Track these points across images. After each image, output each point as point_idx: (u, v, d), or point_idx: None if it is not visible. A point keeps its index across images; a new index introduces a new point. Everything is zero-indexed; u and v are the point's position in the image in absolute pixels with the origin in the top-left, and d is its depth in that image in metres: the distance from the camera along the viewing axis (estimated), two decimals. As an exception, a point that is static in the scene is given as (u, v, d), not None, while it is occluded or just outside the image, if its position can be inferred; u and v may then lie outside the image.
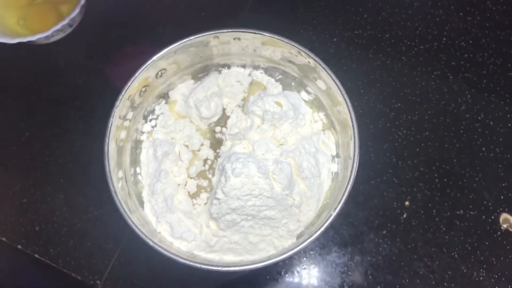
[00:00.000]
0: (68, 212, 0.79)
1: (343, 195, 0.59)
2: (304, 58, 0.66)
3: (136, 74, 0.63)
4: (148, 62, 0.64)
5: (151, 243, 0.58)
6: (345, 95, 0.62)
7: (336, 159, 0.70)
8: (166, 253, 0.58)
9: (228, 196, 0.61)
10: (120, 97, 0.63)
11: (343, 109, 0.64)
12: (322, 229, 0.58)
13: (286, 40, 0.64)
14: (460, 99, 0.84)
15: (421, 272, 0.76)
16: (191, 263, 0.58)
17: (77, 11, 0.81)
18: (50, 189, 0.81)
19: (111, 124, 0.62)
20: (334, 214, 0.58)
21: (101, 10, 0.91)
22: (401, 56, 0.86)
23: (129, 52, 0.74)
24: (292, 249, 0.57)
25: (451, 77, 0.85)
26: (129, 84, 0.63)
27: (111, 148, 0.62)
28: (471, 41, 0.87)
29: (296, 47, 0.64)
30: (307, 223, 0.67)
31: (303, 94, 0.74)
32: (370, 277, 0.77)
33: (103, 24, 0.91)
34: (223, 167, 0.63)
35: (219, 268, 0.58)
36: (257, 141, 0.67)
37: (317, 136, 0.69)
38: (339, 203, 0.58)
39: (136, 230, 0.59)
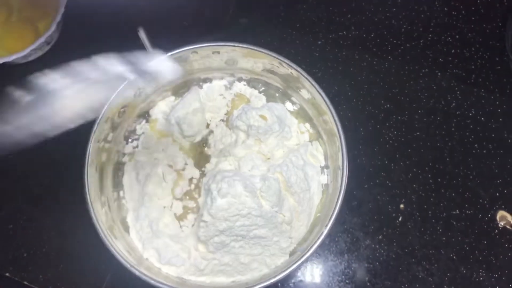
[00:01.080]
0: (56, 235, 0.75)
1: (334, 210, 0.56)
2: (287, 69, 0.63)
3: (113, 95, 0.59)
4: (125, 82, 0.61)
5: (137, 272, 0.55)
6: (330, 105, 0.59)
7: (325, 170, 0.67)
8: (153, 282, 0.55)
9: (215, 218, 0.59)
10: (98, 121, 0.59)
11: (329, 119, 0.61)
12: (315, 246, 0.55)
13: (266, 51, 0.61)
14: (449, 96, 0.81)
15: (420, 276, 0.74)
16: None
17: (53, 27, 0.78)
18: (37, 213, 0.78)
19: (89, 151, 0.59)
20: (325, 231, 0.55)
21: (79, 26, 0.87)
22: (388, 55, 0.84)
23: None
24: (285, 269, 0.54)
25: (439, 74, 0.82)
26: (106, 106, 0.60)
27: (91, 175, 0.59)
28: (457, 36, 0.85)
29: (277, 58, 0.61)
30: (299, 239, 0.64)
31: (288, 105, 0.70)
32: (368, 284, 0.74)
33: (81, 40, 0.87)
34: (208, 187, 0.60)
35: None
36: (243, 157, 0.64)
37: (304, 148, 0.66)
38: (330, 219, 0.56)
39: (121, 260, 0.55)
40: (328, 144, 0.66)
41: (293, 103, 0.70)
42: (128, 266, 0.55)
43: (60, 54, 0.84)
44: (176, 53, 0.61)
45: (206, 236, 0.60)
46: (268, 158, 0.66)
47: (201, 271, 0.63)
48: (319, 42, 0.86)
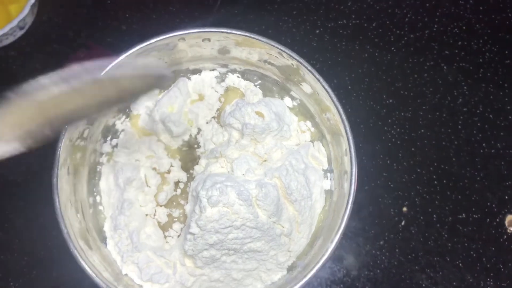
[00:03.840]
0: (29, 239, 0.70)
1: (341, 222, 0.48)
2: (286, 59, 0.54)
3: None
4: (103, 72, 0.52)
5: (114, 294, 0.46)
6: (336, 101, 0.51)
7: (328, 174, 0.59)
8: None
9: (204, 230, 0.50)
10: (71, 115, 0.50)
11: (333, 116, 0.53)
12: (319, 264, 0.47)
13: (264, 40, 0.52)
14: (456, 92, 0.76)
15: (423, 285, 0.69)
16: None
17: (26, 11, 0.69)
18: (8, 214, 0.71)
19: (60, 149, 0.50)
20: (332, 246, 0.47)
21: (56, 8, 0.79)
22: (390, 46, 0.78)
23: (81, 57, 0.61)
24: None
25: (445, 67, 0.77)
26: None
27: (62, 177, 0.50)
28: (464, 27, 0.79)
29: (276, 47, 0.52)
30: (298, 252, 0.57)
31: (287, 100, 0.62)
32: None
33: (58, 25, 0.78)
34: (197, 194, 0.51)
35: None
36: (236, 159, 0.55)
37: (305, 149, 0.58)
38: (337, 233, 0.48)
39: (96, 279, 0.47)
40: (332, 145, 0.58)
41: (292, 98, 0.62)
42: (104, 286, 0.46)
43: (35, 40, 0.77)
44: (162, 39, 0.52)
45: (194, 250, 0.52)
46: (265, 160, 0.57)
47: (187, 288, 0.54)
48: (317, 31, 0.78)
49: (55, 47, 0.78)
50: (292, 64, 0.54)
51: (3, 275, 0.69)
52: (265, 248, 0.53)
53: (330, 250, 0.48)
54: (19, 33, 0.75)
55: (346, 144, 0.51)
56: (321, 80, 0.52)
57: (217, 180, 0.51)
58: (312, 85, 0.55)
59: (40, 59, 0.78)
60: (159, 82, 0.47)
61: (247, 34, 0.52)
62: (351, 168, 0.50)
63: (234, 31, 0.52)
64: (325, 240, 0.53)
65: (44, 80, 0.38)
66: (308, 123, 0.61)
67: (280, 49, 0.52)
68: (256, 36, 0.53)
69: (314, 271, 0.47)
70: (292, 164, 0.55)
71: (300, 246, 0.56)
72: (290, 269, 0.57)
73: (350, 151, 0.50)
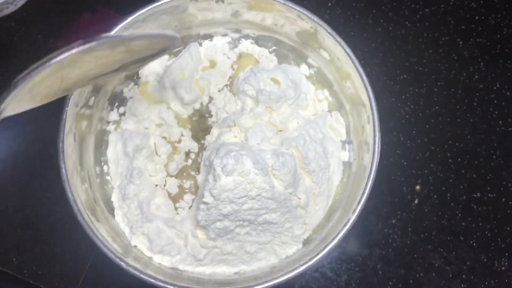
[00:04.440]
0: (31, 213, 0.68)
1: (363, 193, 0.46)
2: (305, 22, 0.51)
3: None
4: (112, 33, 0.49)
5: (124, 265, 0.44)
6: (358, 66, 0.50)
7: (347, 145, 0.57)
8: (142, 276, 0.45)
9: (218, 200, 0.48)
10: (77, 81, 0.47)
11: (355, 83, 0.51)
12: (340, 235, 0.44)
13: (283, 1, 0.49)
14: (472, 68, 0.74)
15: (436, 264, 0.68)
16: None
17: None
18: (10, 188, 0.69)
19: (66, 116, 0.47)
20: (353, 217, 0.45)
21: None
22: (405, 21, 0.75)
23: (86, 22, 0.58)
24: (303, 264, 0.44)
25: (461, 43, 0.75)
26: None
27: (68, 145, 0.48)
28: (482, 1, 0.76)
29: (296, 9, 0.50)
30: (315, 225, 0.55)
31: (304, 68, 0.59)
32: (380, 272, 0.68)
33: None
34: (210, 163, 0.49)
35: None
36: (251, 128, 0.53)
37: (323, 119, 0.56)
38: (359, 203, 0.45)
39: (104, 249, 0.45)
40: (351, 115, 0.56)
41: (309, 65, 0.59)
42: (113, 257, 0.45)
43: (35, 10, 0.74)
44: (171, 1, 0.49)
45: (207, 220, 0.49)
46: (280, 130, 0.55)
47: (199, 261, 0.52)
48: (329, 4, 0.76)
49: (56, 16, 0.75)
50: (311, 27, 0.52)
51: (4, 251, 0.67)
52: (281, 220, 0.51)
53: (352, 220, 0.46)
54: (20, 2, 0.72)
55: (368, 111, 0.49)
56: (343, 44, 0.49)
57: (231, 149, 0.49)
58: (332, 50, 0.52)
59: (41, 29, 0.75)
60: (169, 44, 0.45)
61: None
62: (374, 136, 0.48)
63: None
64: (343, 212, 0.51)
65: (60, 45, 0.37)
66: (326, 92, 0.59)
67: (300, 11, 0.50)
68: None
69: (335, 241, 0.45)
70: (310, 134, 0.53)
71: (317, 219, 0.54)
72: (306, 242, 0.55)
73: (373, 118, 0.48)
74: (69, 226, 0.67)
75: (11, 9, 0.71)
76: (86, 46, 0.37)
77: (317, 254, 0.45)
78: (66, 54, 0.36)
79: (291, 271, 0.46)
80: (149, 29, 0.54)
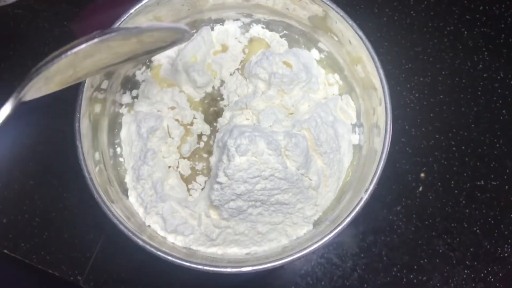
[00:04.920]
0: (40, 200, 0.68)
1: (375, 173, 0.47)
2: (317, 5, 0.51)
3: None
4: (124, 17, 0.50)
5: (140, 242, 0.45)
6: (370, 48, 0.50)
7: (357, 128, 0.57)
8: (158, 253, 0.45)
9: (232, 180, 0.48)
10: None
11: (367, 67, 0.51)
12: (352, 215, 0.45)
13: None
14: (476, 57, 0.74)
15: (440, 251, 0.68)
16: (189, 264, 0.45)
17: None
18: (18, 175, 0.69)
19: (82, 97, 0.47)
20: (366, 196, 0.45)
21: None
22: (410, 10, 0.75)
23: (100, 5, 0.58)
24: (315, 242, 0.44)
25: (465, 32, 0.75)
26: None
27: (84, 126, 0.48)
28: None
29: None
30: (325, 207, 0.55)
31: (314, 52, 0.59)
32: (385, 258, 0.68)
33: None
34: (224, 144, 0.49)
35: (224, 269, 0.45)
36: (263, 111, 0.53)
37: (334, 102, 0.56)
38: (371, 183, 0.46)
39: (120, 226, 0.45)
40: (362, 98, 0.56)
41: (320, 50, 0.59)
42: (130, 234, 0.45)
43: None
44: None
45: (221, 200, 0.50)
46: (291, 113, 0.55)
47: (212, 241, 0.53)
48: (335, -7, 0.75)
49: (63, 5, 0.75)
50: (324, 10, 0.52)
51: (13, 237, 0.67)
52: (292, 200, 0.51)
53: (364, 199, 0.46)
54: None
55: (380, 94, 0.49)
56: (355, 27, 0.50)
57: (245, 130, 0.49)
58: (343, 33, 0.53)
59: (47, 17, 0.75)
60: (180, 37, 0.46)
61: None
62: (386, 118, 0.48)
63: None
64: (354, 194, 0.51)
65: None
66: (336, 76, 0.59)
67: (311, -5, 0.50)
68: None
69: (348, 220, 0.46)
70: (321, 116, 0.53)
71: (327, 200, 0.54)
72: (316, 223, 0.55)
73: (385, 101, 0.48)
74: (77, 211, 0.68)
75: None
76: (105, 37, 0.37)
77: (330, 233, 0.45)
78: (86, 44, 0.36)
79: (303, 249, 0.46)
80: (161, 22, 0.55)
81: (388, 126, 0.48)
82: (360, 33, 0.49)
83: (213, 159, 0.54)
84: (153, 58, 0.59)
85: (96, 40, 0.36)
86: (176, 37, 0.45)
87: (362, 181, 0.51)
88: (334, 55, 0.58)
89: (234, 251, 0.53)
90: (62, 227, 0.68)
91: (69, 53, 0.36)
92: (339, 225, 0.46)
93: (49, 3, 0.75)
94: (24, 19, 0.74)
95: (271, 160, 0.48)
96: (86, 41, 0.36)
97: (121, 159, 0.58)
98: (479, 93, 0.73)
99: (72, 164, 0.63)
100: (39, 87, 0.38)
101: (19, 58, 0.74)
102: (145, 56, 0.49)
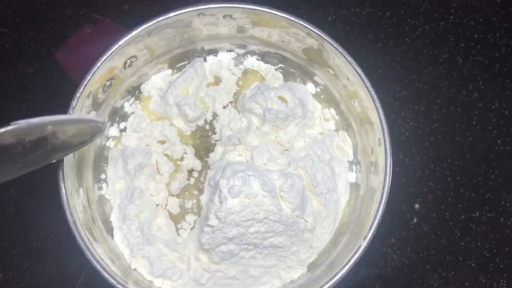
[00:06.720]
0: (20, 227, 0.67)
1: (375, 218, 0.45)
2: (314, 39, 0.50)
3: (98, 64, 0.47)
4: (113, 48, 0.47)
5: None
6: (369, 85, 0.48)
7: (354, 166, 0.55)
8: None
9: (224, 223, 0.46)
10: (78, 95, 0.45)
11: (363, 102, 0.50)
12: (351, 263, 0.43)
13: (294, 18, 0.47)
14: (471, 86, 0.73)
15: (435, 285, 0.67)
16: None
17: None
18: None
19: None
20: (364, 244, 0.43)
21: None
22: (405, 37, 0.74)
23: (88, 35, 0.55)
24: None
25: (460, 60, 0.74)
26: (88, 77, 0.46)
27: (67, 162, 0.45)
28: (481, 20, 0.76)
29: (306, 26, 0.48)
30: (321, 249, 0.53)
31: (310, 86, 0.57)
32: None
33: (55, 3, 0.73)
34: (216, 183, 0.47)
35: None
36: (257, 147, 0.51)
37: (330, 139, 0.54)
38: (370, 229, 0.44)
39: (104, 273, 0.42)
40: (359, 134, 0.54)
41: (316, 84, 0.57)
42: (114, 282, 0.42)
43: (30, 15, 0.73)
44: (178, 14, 0.47)
45: (211, 244, 0.47)
46: (286, 150, 0.53)
47: (201, 285, 0.50)
48: (329, 19, 0.75)
49: (52, 25, 0.73)
50: (321, 45, 0.50)
51: (-9, 266, 0.65)
52: (287, 243, 0.49)
53: (363, 247, 0.44)
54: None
55: (378, 131, 0.47)
56: (353, 63, 0.48)
57: (238, 169, 0.47)
58: (341, 69, 0.51)
59: (34, 37, 0.73)
60: (98, 129, 0.44)
61: (275, 11, 0.47)
62: (386, 160, 0.46)
63: (260, 7, 0.47)
64: (351, 236, 0.49)
65: None
66: (333, 110, 0.57)
67: (310, 29, 0.48)
68: (286, 14, 0.48)
69: (346, 268, 0.43)
70: (318, 154, 0.51)
71: (323, 242, 0.52)
72: (311, 266, 0.53)
73: (384, 141, 0.46)
74: (60, 240, 0.66)
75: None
76: None
77: (327, 283, 0.43)
78: None
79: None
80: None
81: (388, 169, 0.46)
82: (359, 70, 0.47)
83: (204, 198, 0.52)
84: (142, 90, 0.57)
85: None
86: (93, 130, 0.43)
87: (360, 223, 0.49)
88: (330, 89, 0.56)
89: (225, 294, 0.50)
90: (43, 257, 0.66)
91: None
92: (336, 274, 0.43)
93: (36, 22, 0.73)
94: (10, 38, 0.72)
95: (266, 202, 0.46)
96: None
97: (107, 196, 0.55)
98: (474, 122, 0.72)
99: (53, 190, 0.61)
100: None
101: (3, 79, 0.71)
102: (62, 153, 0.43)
